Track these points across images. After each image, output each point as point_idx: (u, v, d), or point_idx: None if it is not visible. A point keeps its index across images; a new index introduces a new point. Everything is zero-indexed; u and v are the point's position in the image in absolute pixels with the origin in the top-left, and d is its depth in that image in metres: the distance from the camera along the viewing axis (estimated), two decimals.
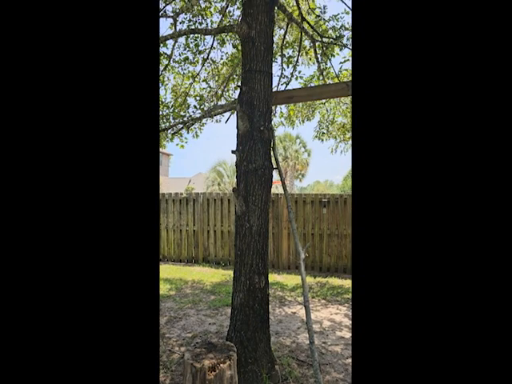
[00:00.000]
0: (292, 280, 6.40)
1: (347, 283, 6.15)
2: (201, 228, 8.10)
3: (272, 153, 2.96)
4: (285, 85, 5.44)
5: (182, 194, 8.31)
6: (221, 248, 7.97)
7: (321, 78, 5.54)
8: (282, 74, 5.23)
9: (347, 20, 5.18)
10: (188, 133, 5.18)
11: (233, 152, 2.94)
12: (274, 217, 7.54)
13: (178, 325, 4.09)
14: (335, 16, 5.19)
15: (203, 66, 5.17)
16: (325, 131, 7.15)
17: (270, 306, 3.69)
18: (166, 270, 7.04)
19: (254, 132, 2.82)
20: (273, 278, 6.53)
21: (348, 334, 3.80)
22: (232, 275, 2.98)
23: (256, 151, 2.81)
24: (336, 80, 5.51)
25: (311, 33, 4.79)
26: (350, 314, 4.48)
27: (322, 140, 7.22)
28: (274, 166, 2.93)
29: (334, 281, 6.38)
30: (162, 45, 4.53)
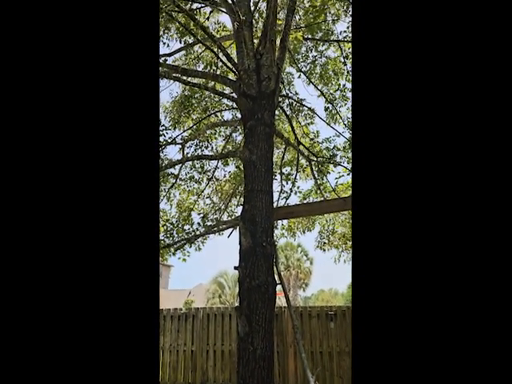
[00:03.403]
0: None
1: None
2: (200, 347, 7.51)
3: (275, 268, 2.95)
4: (285, 199, 5.72)
5: (181, 309, 7.96)
6: (221, 371, 7.26)
7: (318, 192, 5.85)
8: (281, 189, 5.55)
9: (339, 142, 5.73)
10: (190, 247, 5.26)
11: (235, 268, 2.94)
12: (279, 333, 7.06)
13: None
14: (328, 139, 5.76)
15: (208, 184, 5.53)
16: (326, 241, 7.22)
17: None
18: None
19: (256, 248, 2.86)
20: None
21: None
22: None
23: (259, 267, 2.81)
24: (333, 193, 5.81)
25: (307, 154, 5.26)
26: None
27: (324, 250, 7.24)
28: (278, 282, 2.89)
29: None
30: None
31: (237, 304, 2.82)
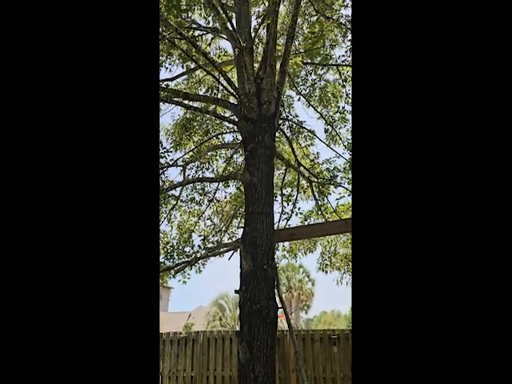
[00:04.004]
0: None
1: None
2: (200, 373, 7.32)
3: (276, 291, 2.92)
4: (286, 220, 5.71)
5: (180, 333, 7.80)
6: None
7: (319, 213, 5.84)
8: (282, 210, 5.55)
9: (339, 163, 5.78)
10: (191, 269, 5.22)
11: (236, 292, 2.90)
12: (280, 358, 6.88)
13: None
14: (328, 160, 5.81)
15: (208, 205, 5.54)
16: (328, 263, 7.14)
17: None
18: None
19: (257, 271, 2.84)
20: None
21: None
22: None
23: (260, 291, 2.77)
24: (334, 215, 5.80)
25: (307, 175, 5.28)
26: None
27: (326, 272, 7.15)
28: (279, 306, 2.85)
29: None
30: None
31: (238, 327, 2.77)
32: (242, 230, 3.32)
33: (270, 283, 2.84)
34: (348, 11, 5.72)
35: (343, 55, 5.75)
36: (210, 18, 5.67)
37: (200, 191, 5.62)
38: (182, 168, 4.76)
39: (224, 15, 3.62)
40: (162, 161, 4.91)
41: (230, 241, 5.54)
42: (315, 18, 5.75)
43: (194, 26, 5.53)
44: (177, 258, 5.02)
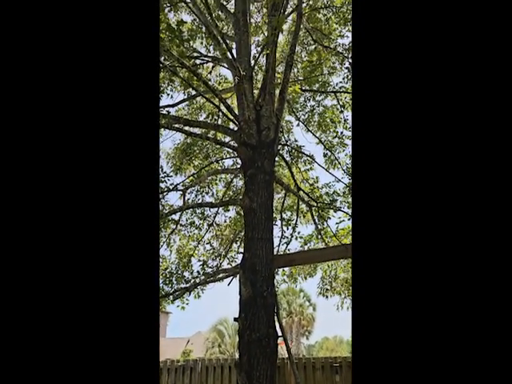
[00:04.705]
0: None
1: None
2: None
3: (276, 318, 2.87)
4: (285, 245, 5.67)
5: (178, 361, 7.60)
6: None
7: (319, 237, 5.82)
8: (282, 235, 5.52)
9: (338, 187, 5.80)
10: (189, 295, 5.14)
11: (235, 320, 2.85)
12: None
13: None
14: (327, 184, 5.83)
15: (208, 230, 5.52)
16: (328, 287, 7.05)
17: None
18: None
19: (257, 298, 2.80)
20: None
21: None
22: None
23: (259, 318, 2.73)
24: (334, 239, 5.77)
25: (307, 199, 5.29)
26: None
27: (327, 297, 7.05)
28: (279, 334, 2.79)
29: None
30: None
31: (237, 355, 2.70)
32: (241, 254, 3.30)
33: (270, 311, 2.80)
34: (345, 40, 5.91)
35: (340, 82, 5.89)
36: (210, 47, 5.85)
37: (200, 215, 5.62)
38: (181, 192, 4.78)
39: (224, 45, 3.73)
40: (162, 185, 4.93)
41: (229, 266, 5.49)
42: (313, 46, 5.93)
43: (196, 54, 5.70)
44: (175, 283, 4.96)
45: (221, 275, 3.77)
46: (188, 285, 4.50)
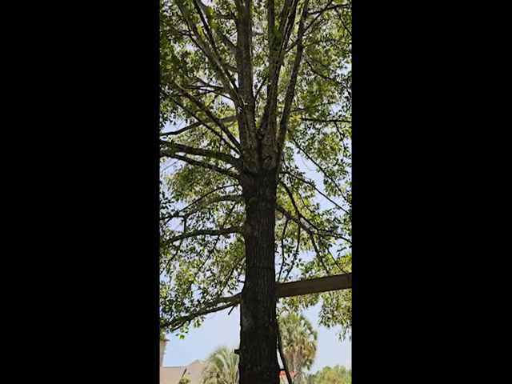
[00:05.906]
0: None
1: None
2: None
3: (277, 351, 2.80)
4: (286, 272, 5.62)
5: None
6: None
7: (320, 264, 5.76)
8: (283, 262, 5.48)
9: (339, 214, 5.81)
10: (189, 324, 5.03)
11: (236, 352, 2.79)
12: None
13: None
14: (328, 211, 5.84)
15: (209, 256, 5.47)
16: (330, 316, 6.91)
17: None
18: None
19: (258, 329, 2.75)
20: None
21: None
22: None
23: (261, 351, 2.67)
24: (335, 266, 5.72)
25: (308, 226, 5.29)
26: None
27: (328, 326, 6.89)
28: (281, 367, 2.72)
29: None
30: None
31: None
32: (242, 281, 3.26)
33: (272, 342, 2.74)
34: (343, 71, 6.08)
35: (340, 110, 6.02)
36: (213, 77, 6.01)
37: (200, 241, 5.59)
38: (182, 218, 4.78)
39: (227, 76, 3.84)
40: (164, 211, 4.93)
41: (229, 293, 5.41)
42: (313, 76, 6.10)
43: (199, 83, 5.85)
44: (175, 310, 4.87)
45: (221, 304, 3.72)
46: (188, 314, 4.42)
